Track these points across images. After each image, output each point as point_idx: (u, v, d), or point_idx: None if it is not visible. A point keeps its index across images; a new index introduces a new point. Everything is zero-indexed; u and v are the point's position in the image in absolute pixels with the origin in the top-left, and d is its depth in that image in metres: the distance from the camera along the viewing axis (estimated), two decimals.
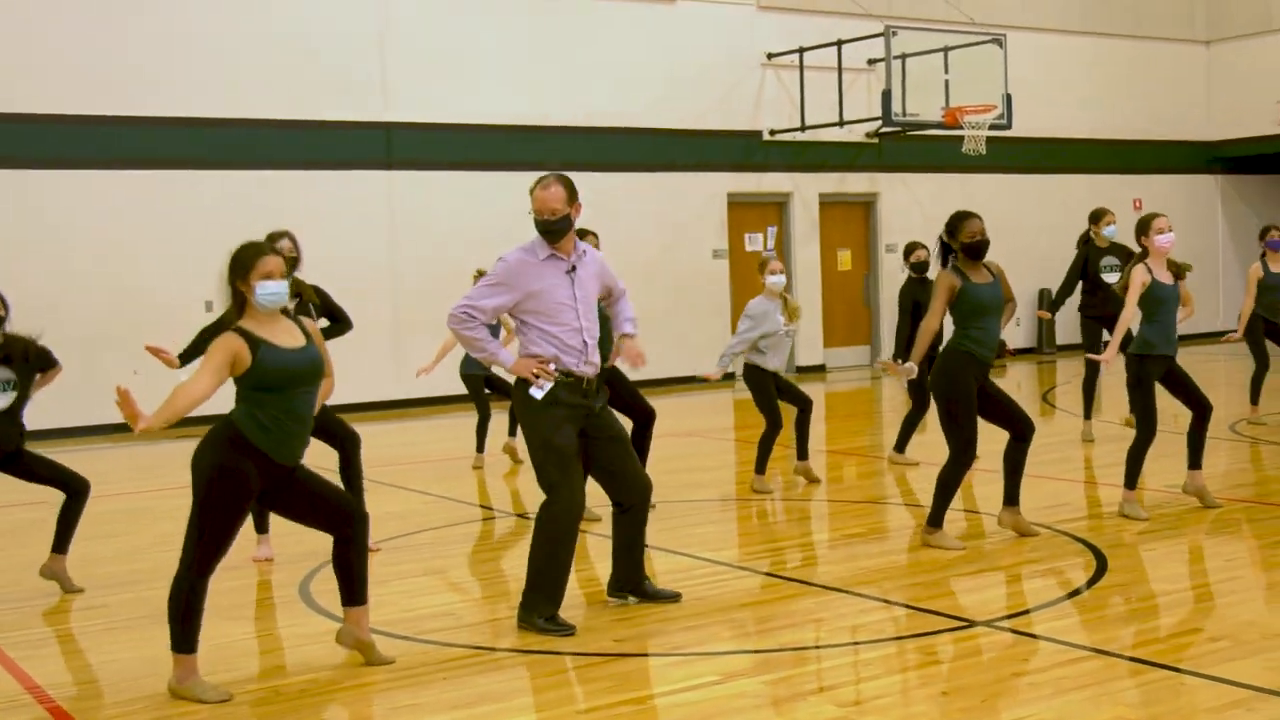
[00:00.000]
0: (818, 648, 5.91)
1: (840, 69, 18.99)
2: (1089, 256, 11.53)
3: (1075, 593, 6.54)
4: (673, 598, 6.59)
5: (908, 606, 6.44)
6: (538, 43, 17.69)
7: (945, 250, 7.68)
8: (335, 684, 5.55)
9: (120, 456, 13.59)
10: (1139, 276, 8.23)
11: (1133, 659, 5.42)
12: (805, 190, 19.94)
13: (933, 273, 9.60)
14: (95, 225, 14.98)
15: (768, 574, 7.30)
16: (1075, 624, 6.03)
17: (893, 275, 20.49)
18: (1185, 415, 8.51)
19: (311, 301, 7.50)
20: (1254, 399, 12.28)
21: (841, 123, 19.10)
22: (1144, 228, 8.37)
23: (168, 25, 15.52)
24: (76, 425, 14.24)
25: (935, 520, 7.69)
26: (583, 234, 8.63)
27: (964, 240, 7.53)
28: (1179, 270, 8.35)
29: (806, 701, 5.11)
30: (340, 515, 5.65)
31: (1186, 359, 8.75)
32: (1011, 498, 7.83)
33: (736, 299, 18.62)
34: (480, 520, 9.26)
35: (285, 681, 5.66)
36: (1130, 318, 8.33)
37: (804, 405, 10.04)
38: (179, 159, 15.56)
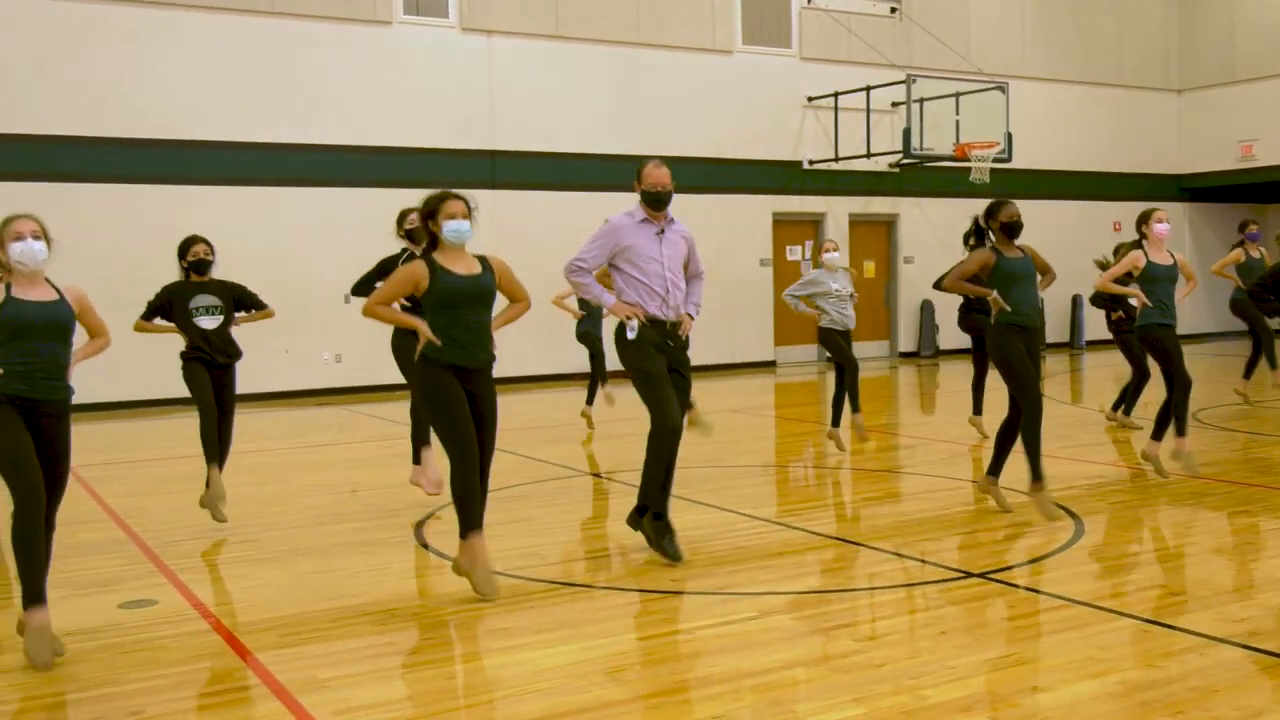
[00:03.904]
0: (839, 591, 5.85)
1: (868, 110, 18.82)
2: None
3: (1057, 552, 6.44)
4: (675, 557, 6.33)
5: (915, 559, 6.37)
6: (619, 85, 17.67)
7: (979, 231, 7.49)
8: (440, 609, 5.57)
9: (276, 418, 13.75)
10: (1134, 258, 8.05)
11: (1103, 609, 5.32)
12: (837, 210, 19.78)
13: None
14: (264, 235, 15.24)
15: (799, 529, 7.25)
16: (1056, 578, 5.92)
17: (909, 282, 20.33)
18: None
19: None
20: (1247, 374, 12.06)
21: (869, 155, 18.92)
22: (1145, 218, 8.16)
23: (324, 72, 15.70)
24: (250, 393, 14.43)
25: (1036, 475, 7.22)
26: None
27: (1003, 220, 7.19)
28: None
29: (828, 636, 5.06)
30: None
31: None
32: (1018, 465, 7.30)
33: (779, 299, 18.54)
34: (562, 478, 9.26)
35: (401, 605, 5.69)
36: (1108, 279, 8.20)
37: (852, 368, 9.90)
38: (329, 178, 15.77)
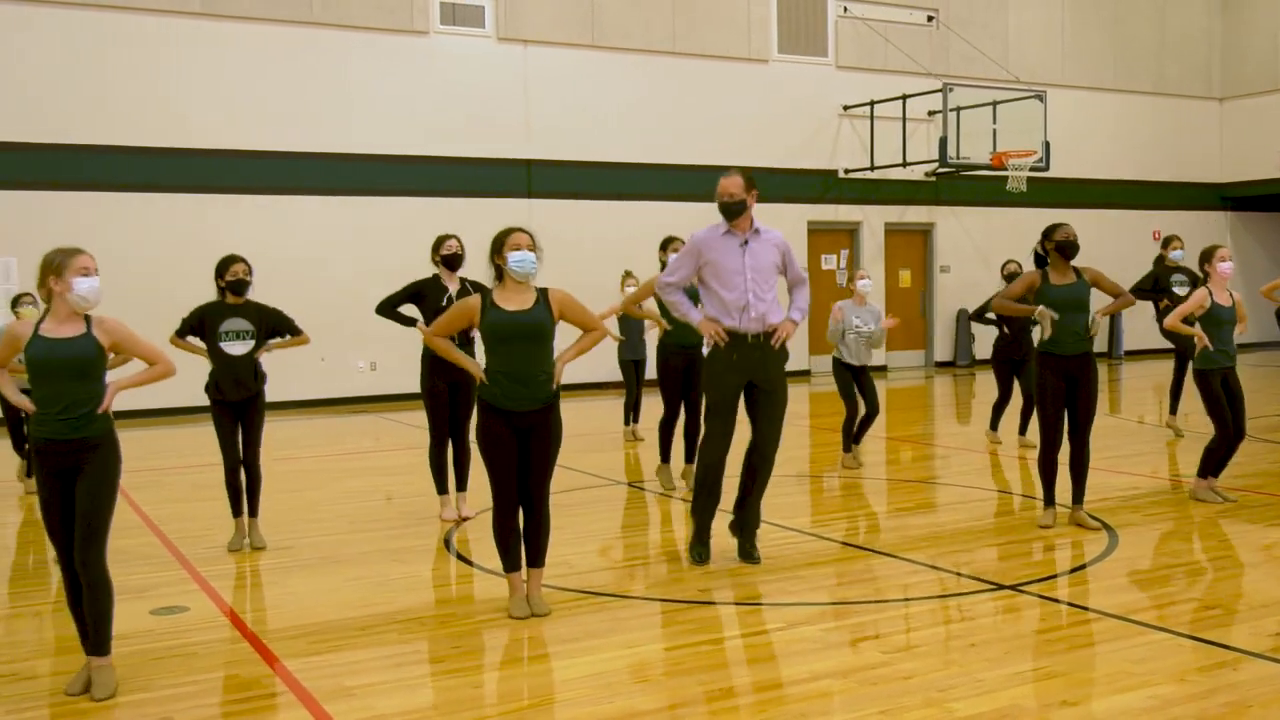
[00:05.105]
0: (869, 602, 5.81)
1: (904, 119, 18.72)
2: (1159, 274, 11.02)
3: (1090, 564, 6.36)
4: (752, 560, 6.50)
5: (948, 571, 6.32)
6: (655, 95, 17.67)
7: (1038, 259, 7.39)
8: (467, 618, 5.58)
9: (311, 426, 13.84)
10: (1200, 298, 7.88)
11: (1137, 622, 5.25)
12: (873, 220, 19.69)
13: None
14: (300, 243, 15.35)
15: (831, 539, 7.21)
16: (1089, 590, 5.87)
17: (945, 291, 20.20)
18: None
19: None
20: None
21: (905, 164, 18.82)
22: (1208, 257, 7.91)
23: (361, 82, 15.82)
24: (284, 400, 14.56)
25: (1046, 499, 7.38)
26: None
27: (1058, 240, 7.16)
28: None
29: (856, 648, 5.02)
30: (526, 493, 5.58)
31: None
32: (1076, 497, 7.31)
33: (813, 310, 18.40)
34: (597, 487, 9.26)
35: (429, 614, 5.70)
36: (1176, 319, 8.01)
37: (871, 410, 9.76)
38: (365, 188, 15.87)
